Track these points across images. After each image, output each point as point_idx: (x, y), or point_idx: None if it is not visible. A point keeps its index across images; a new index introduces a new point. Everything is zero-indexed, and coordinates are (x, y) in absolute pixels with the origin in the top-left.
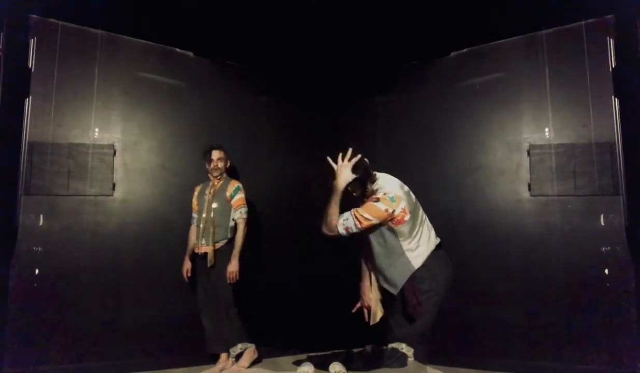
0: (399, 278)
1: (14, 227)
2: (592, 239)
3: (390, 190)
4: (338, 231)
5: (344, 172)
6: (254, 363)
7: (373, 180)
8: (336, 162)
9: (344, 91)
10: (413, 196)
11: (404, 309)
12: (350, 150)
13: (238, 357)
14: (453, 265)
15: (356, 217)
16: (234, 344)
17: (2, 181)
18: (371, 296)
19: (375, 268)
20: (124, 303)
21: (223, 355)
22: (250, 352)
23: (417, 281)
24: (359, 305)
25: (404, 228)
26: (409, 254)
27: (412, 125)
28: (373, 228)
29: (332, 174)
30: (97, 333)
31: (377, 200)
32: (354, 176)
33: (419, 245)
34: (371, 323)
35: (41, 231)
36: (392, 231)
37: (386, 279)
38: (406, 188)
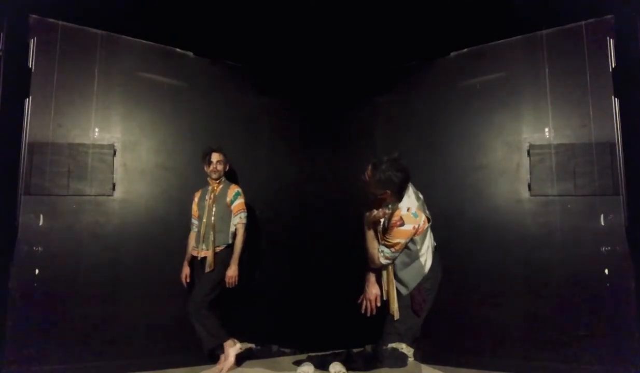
0: (411, 280)
1: (14, 227)
2: (592, 239)
3: (412, 205)
4: (382, 263)
5: (374, 218)
6: (248, 355)
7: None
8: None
9: (344, 91)
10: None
11: (410, 306)
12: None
13: (238, 356)
14: (453, 265)
15: (389, 246)
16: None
17: (2, 181)
18: (374, 291)
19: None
20: (124, 303)
21: (223, 356)
22: (228, 346)
23: (422, 280)
24: (362, 296)
25: (421, 236)
26: (422, 258)
27: (412, 125)
28: None
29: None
30: (97, 333)
31: (402, 223)
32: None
33: (428, 247)
34: (392, 314)
35: (41, 231)
36: (411, 239)
37: (398, 279)
38: (421, 196)
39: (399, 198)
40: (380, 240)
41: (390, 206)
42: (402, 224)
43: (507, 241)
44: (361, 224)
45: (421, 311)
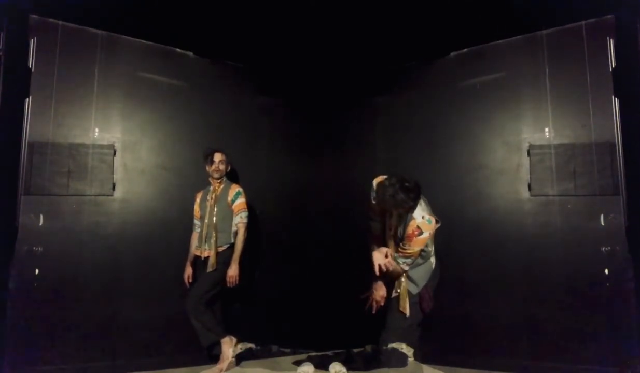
0: (421, 279)
1: (14, 227)
2: (592, 239)
3: (424, 212)
4: (406, 269)
5: (380, 257)
6: (248, 355)
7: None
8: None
9: (344, 91)
10: None
11: (417, 303)
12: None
13: (238, 356)
14: (454, 265)
15: (409, 256)
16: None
17: (2, 181)
18: (381, 292)
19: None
20: (124, 303)
21: (222, 355)
22: (225, 344)
23: (429, 278)
24: (367, 294)
25: (431, 238)
26: (432, 258)
27: (412, 125)
28: None
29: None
30: (97, 333)
31: (420, 232)
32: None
33: (434, 246)
34: (403, 312)
35: (41, 231)
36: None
37: (410, 278)
38: (426, 199)
39: (413, 209)
40: (395, 252)
41: (402, 217)
42: (421, 233)
43: (507, 241)
44: (365, 229)
45: (428, 308)
